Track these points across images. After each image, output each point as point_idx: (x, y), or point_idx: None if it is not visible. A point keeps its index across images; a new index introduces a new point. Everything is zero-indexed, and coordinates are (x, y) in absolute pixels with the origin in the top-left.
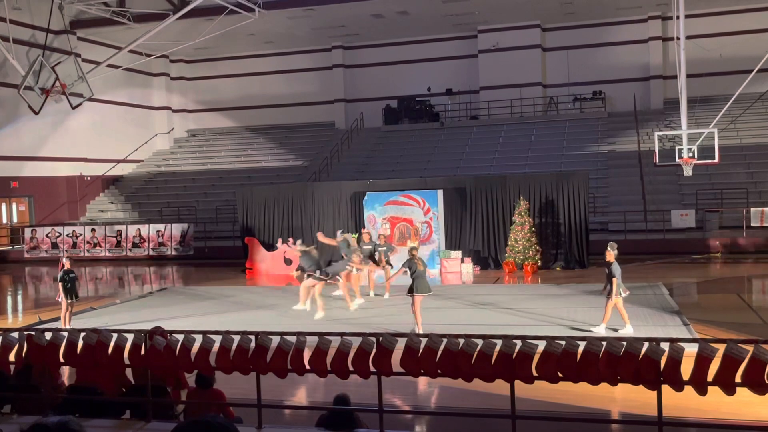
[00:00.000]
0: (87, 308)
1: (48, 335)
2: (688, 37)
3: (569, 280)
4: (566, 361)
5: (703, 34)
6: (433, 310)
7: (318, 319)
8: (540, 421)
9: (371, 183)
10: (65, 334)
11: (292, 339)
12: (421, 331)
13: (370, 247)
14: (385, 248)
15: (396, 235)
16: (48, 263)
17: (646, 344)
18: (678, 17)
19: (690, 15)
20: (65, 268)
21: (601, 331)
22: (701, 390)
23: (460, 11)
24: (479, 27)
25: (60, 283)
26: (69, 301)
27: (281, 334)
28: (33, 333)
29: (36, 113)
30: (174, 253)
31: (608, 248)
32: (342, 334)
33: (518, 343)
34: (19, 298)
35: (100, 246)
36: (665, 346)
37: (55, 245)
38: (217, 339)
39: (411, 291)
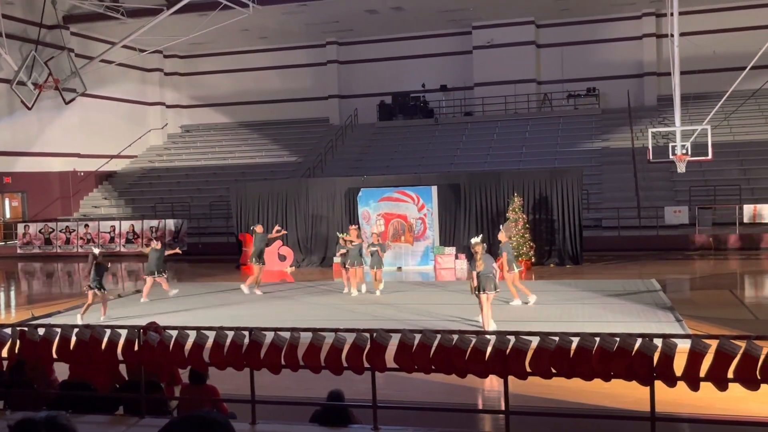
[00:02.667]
0: (80, 304)
1: (41, 331)
2: (681, 34)
3: (563, 276)
4: (560, 356)
5: (697, 31)
6: (427, 305)
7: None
8: (533, 417)
9: (365, 179)
10: (58, 330)
11: (286, 335)
12: (488, 329)
13: (357, 244)
14: (378, 248)
15: (390, 231)
16: (41, 259)
17: (639, 340)
18: (672, 14)
19: (683, 12)
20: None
21: (517, 303)
22: (694, 386)
23: (455, 7)
24: (473, 23)
25: (92, 273)
26: (100, 291)
27: (275, 330)
28: (26, 329)
29: (29, 108)
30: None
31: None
32: (336, 330)
33: (512, 338)
34: (12, 293)
35: (94, 242)
36: (658, 342)
37: (48, 241)
38: (211, 335)
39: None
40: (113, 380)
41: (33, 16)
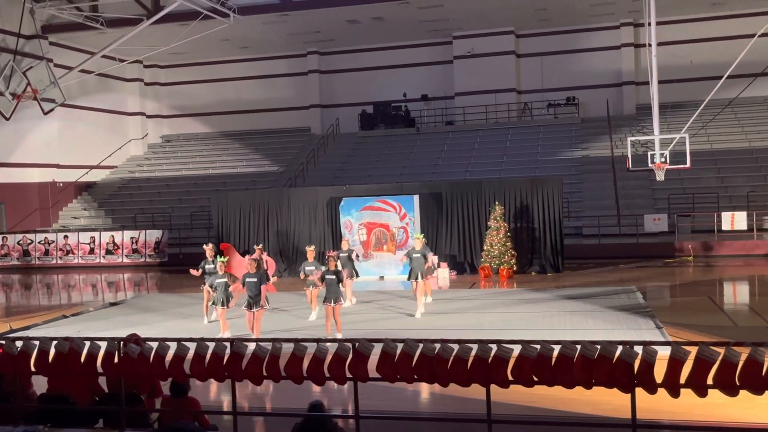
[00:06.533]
0: (59, 316)
1: (19, 344)
2: (659, 44)
3: (544, 284)
4: (541, 364)
5: (674, 41)
6: (408, 315)
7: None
8: (516, 425)
9: (347, 188)
10: (36, 343)
11: (268, 345)
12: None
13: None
14: (334, 275)
15: (372, 240)
16: (19, 271)
17: (620, 347)
18: (649, 24)
19: (661, 22)
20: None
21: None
22: (674, 392)
23: (435, 17)
24: (454, 33)
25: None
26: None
27: (256, 340)
28: (3, 342)
29: (7, 119)
30: (148, 260)
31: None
32: (318, 341)
33: (494, 347)
34: None
35: (73, 253)
36: (639, 349)
37: (26, 252)
38: (192, 346)
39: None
40: (93, 393)
41: (11, 25)
